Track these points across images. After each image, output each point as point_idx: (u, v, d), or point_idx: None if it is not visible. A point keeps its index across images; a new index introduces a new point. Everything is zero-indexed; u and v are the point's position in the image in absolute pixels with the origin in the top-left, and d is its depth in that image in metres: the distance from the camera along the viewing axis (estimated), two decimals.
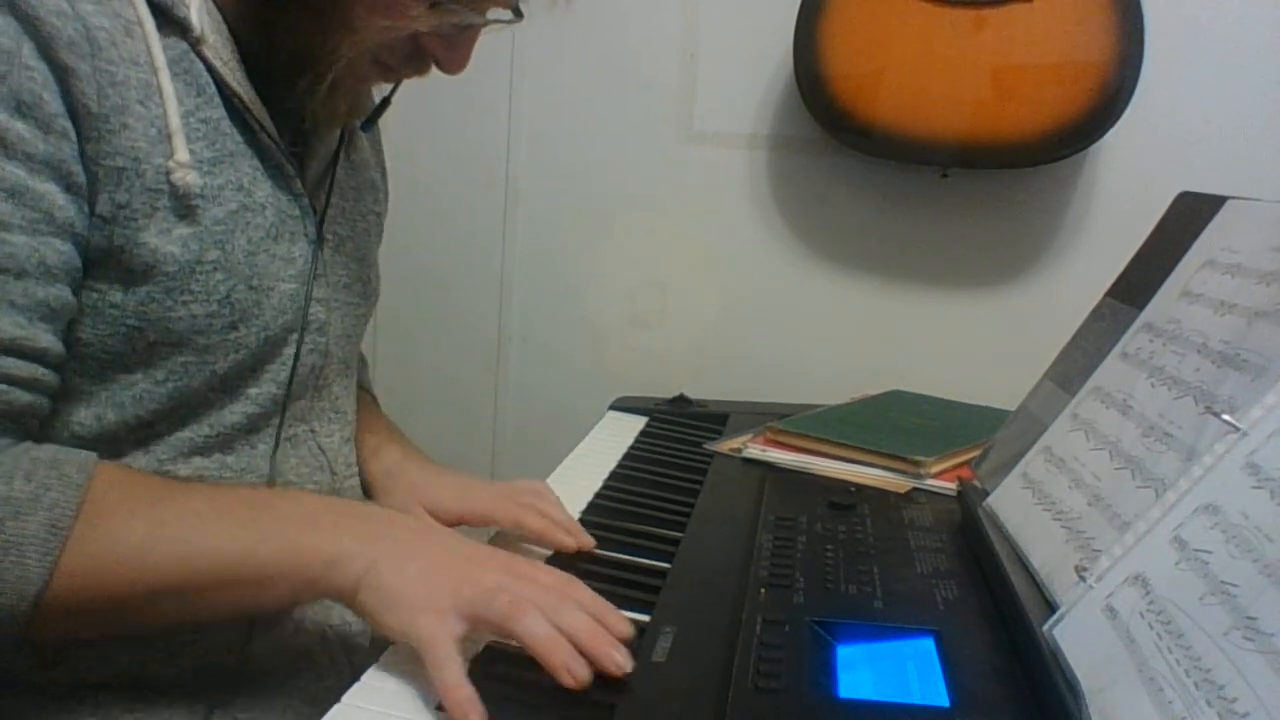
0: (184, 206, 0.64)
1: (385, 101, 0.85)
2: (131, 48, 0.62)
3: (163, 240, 0.64)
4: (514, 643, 0.60)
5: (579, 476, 0.97)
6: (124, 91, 0.61)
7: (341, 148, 0.81)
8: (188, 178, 0.63)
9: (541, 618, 0.58)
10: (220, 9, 0.69)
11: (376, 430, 0.94)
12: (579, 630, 0.59)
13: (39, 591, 0.56)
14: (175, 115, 0.63)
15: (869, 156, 1.40)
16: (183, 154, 0.63)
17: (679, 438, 1.13)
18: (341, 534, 0.62)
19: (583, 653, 0.58)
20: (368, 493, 0.90)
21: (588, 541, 0.79)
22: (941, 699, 0.56)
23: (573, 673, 0.56)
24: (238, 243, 0.68)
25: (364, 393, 1.01)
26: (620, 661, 0.58)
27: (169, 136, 0.63)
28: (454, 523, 0.83)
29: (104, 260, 0.63)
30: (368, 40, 0.68)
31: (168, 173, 0.63)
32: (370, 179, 0.89)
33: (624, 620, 0.62)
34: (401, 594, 0.59)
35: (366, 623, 0.85)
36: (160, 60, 0.63)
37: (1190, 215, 0.76)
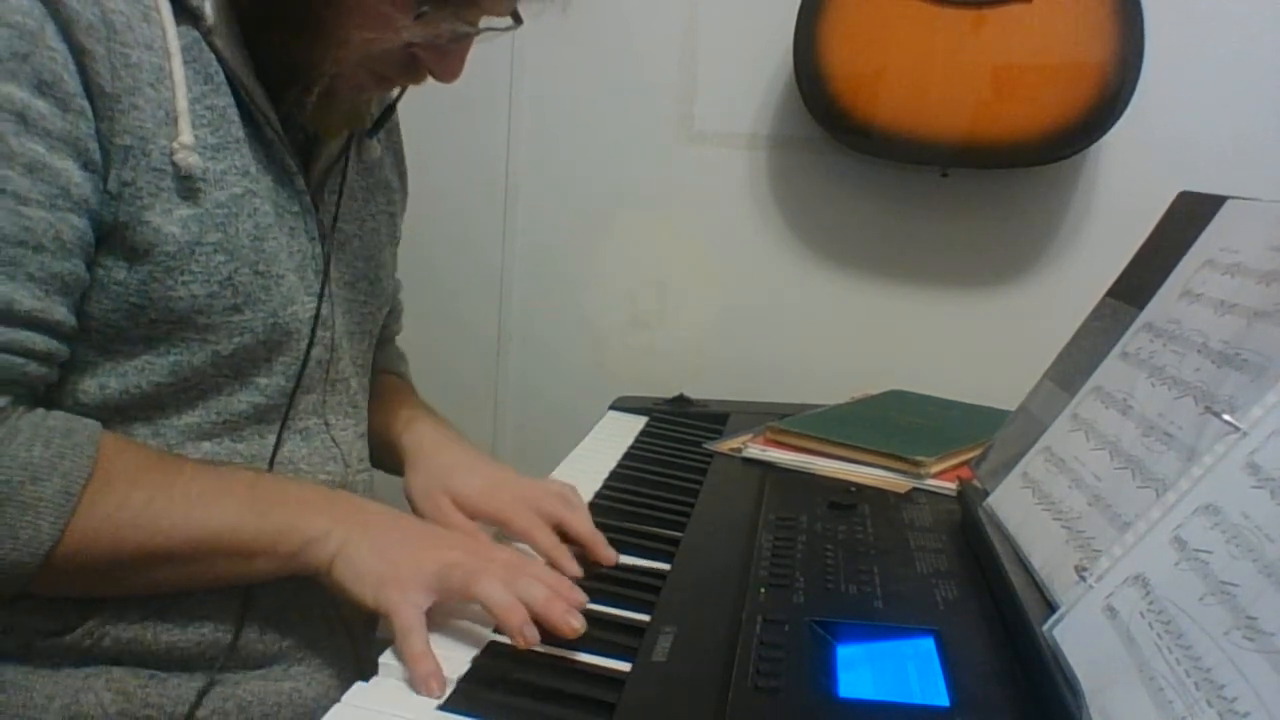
0: (187, 188, 0.66)
1: (390, 109, 0.86)
2: (147, 32, 0.65)
3: (164, 220, 0.65)
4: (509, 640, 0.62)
5: (579, 476, 0.96)
6: (136, 73, 0.63)
7: (350, 149, 0.82)
8: (190, 159, 0.65)
9: (500, 584, 0.63)
10: (233, 4, 0.70)
11: (411, 405, 0.95)
12: (536, 598, 0.63)
13: (50, 550, 0.60)
14: (183, 98, 0.65)
15: (869, 156, 1.40)
16: (186, 136, 0.65)
17: (679, 438, 1.13)
18: (320, 516, 0.67)
19: (540, 618, 0.62)
20: (392, 468, 0.91)
21: (607, 558, 0.78)
22: (941, 699, 0.56)
23: (526, 636, 0.61)
24: (242, 226, 0.69)
25: (401, 379, 1.04)
26: (575, 625, 0.62)
27: (175, 119, 0.65)
28: (473, 516, 0.82)
29: (110, 236, 0.65)
30: (356, 52, 0.69)
31: (171, 153, 0.65)
32: (384, 179, 0.90)
33: (578, 591, 0.67)
34: (370, 569, 0.65)
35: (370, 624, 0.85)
36: (174, 45, 0.65)
37: (1190, 215, 0.76)
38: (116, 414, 0.69)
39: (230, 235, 0.69)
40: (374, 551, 0.66)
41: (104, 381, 0.68)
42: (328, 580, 0.66)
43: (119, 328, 0.67)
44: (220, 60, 0.69)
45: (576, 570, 0.75)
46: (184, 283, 0.67)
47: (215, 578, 0.68)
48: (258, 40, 0.71)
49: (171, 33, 0.65)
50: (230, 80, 0.69)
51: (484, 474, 0.86)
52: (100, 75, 0.61)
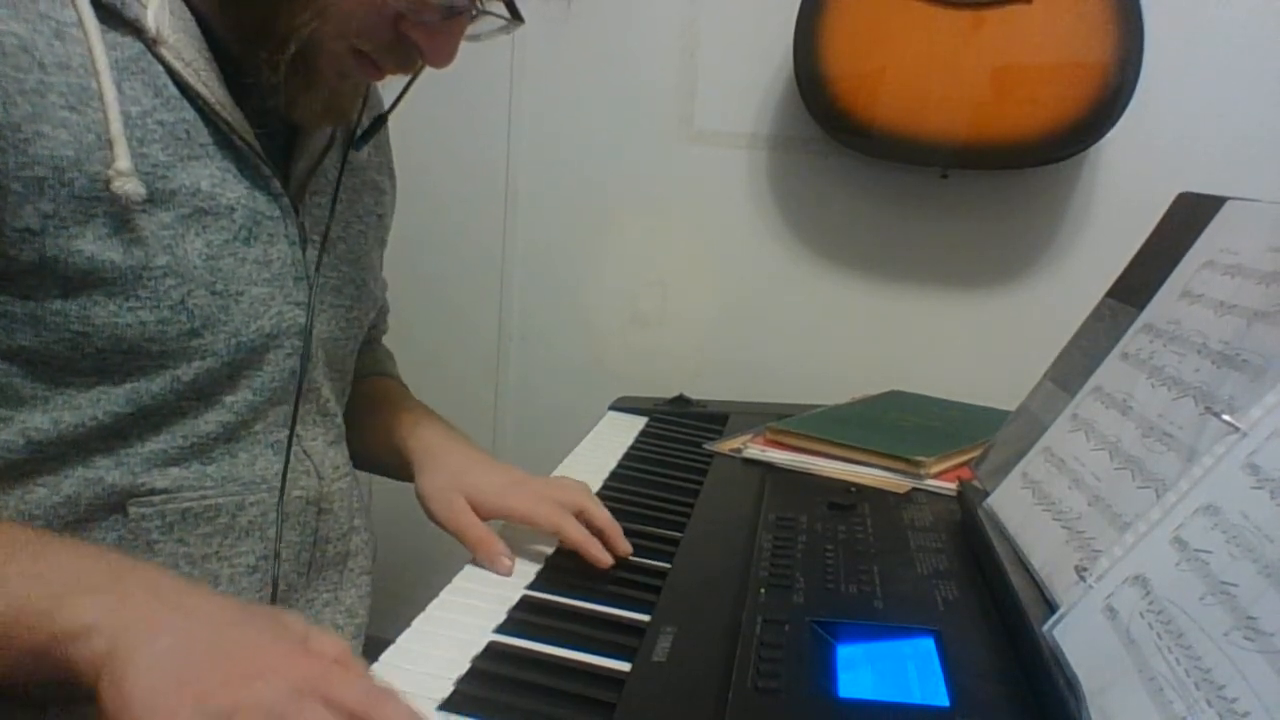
0: (125, 212, 0.62)
1: (381, 119, 0.83)
2: (61, 50, 0.59)
3: (100, 247, 0.61)
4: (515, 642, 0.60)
5: (579, 476, 0.96)
6: (36, 99, 0.58)
7: (332, 146, 0.79)
8: (127, 186, 0.61)
9: None
10: (191, 5, 0.66)
11: (413, 408, 0.93)
12: None
13: None
14: (117, 121, 0.60)
15: (869, 156, 1.40)
16: (123, 162, 0.60)
17: (679, 438, 1.13)
18: (89, 602, 0.51)
19: None
20: (398, 473, 0.89)
21: (624, 549, 0.79)
22: (941, 699, 0.56)
23: None
24: (192, 247, 0.65)
25: (394, 381, 1.02)
26: None
27: (109, 143, 0.60)
28: (492, 516, 0.81)
29: (38, 272, 0.61)
30: (338, 18, 0.64)
31: (107, 181, 0.60)
32: (371, 179, 0.87)
33: (394, 710, 0.50)
34: (140, 696, 0.47)
35: (357, 632, 0.84)
36: (102, 63, 0.60)
37: (1190, 215, 0.76)
38: (74, 448, 0.65)
39: (179, 257, 0.64)
40: (155, 669, 0.48)
41: (57, 416, 0.64)
42: (98, 694, 0.49)
43: (65, 358, 0.63)
44: (170, 71, 0.64)
45: (607, 559, 0.76)
46: (130, 309, 0.63)
47: None
48: (225, 16, 0.66)
49: (99, 50, 0.59)
50: (184, 90, 0.65)
51: (500, 473, 0.84)
52: None
